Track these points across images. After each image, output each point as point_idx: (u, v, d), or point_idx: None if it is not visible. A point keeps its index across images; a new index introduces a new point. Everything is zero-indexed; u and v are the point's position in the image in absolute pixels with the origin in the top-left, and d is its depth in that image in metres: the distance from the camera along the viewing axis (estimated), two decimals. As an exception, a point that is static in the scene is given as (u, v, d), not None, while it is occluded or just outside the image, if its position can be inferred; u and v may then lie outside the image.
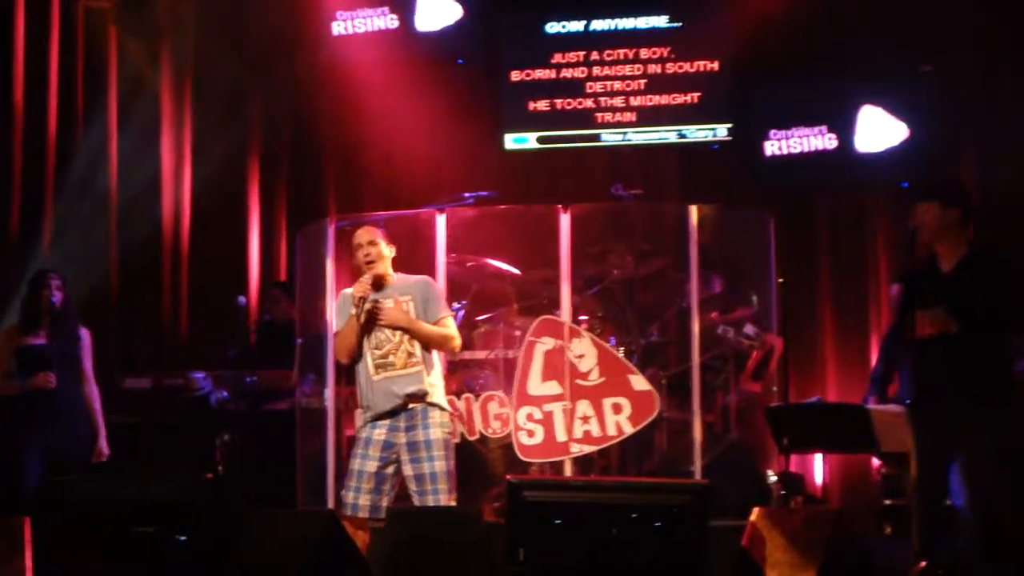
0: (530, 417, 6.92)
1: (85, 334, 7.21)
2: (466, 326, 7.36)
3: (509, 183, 9.07)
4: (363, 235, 6.03)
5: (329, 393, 7.17)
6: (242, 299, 9.18)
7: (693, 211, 7.14)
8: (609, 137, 9.84)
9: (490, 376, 7.27)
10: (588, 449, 6.93)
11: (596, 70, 9.87)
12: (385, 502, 5.87)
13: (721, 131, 9.69)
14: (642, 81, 9.81)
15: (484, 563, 5.39)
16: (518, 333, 7.23)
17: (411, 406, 5.87)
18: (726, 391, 7.79)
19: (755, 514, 5.79)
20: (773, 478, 7.42)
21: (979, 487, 5.31)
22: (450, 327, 6.05)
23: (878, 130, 9.44)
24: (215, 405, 8.22)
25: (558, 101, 9.90)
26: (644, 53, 9.81)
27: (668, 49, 9.79)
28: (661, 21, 9.85)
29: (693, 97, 9.73)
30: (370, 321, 5.90)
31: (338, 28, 10.08)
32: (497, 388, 7.08)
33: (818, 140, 9.58)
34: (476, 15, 9.98)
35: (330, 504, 6.86)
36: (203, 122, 9.85)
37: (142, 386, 8.32)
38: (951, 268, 5.50)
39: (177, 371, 8.42)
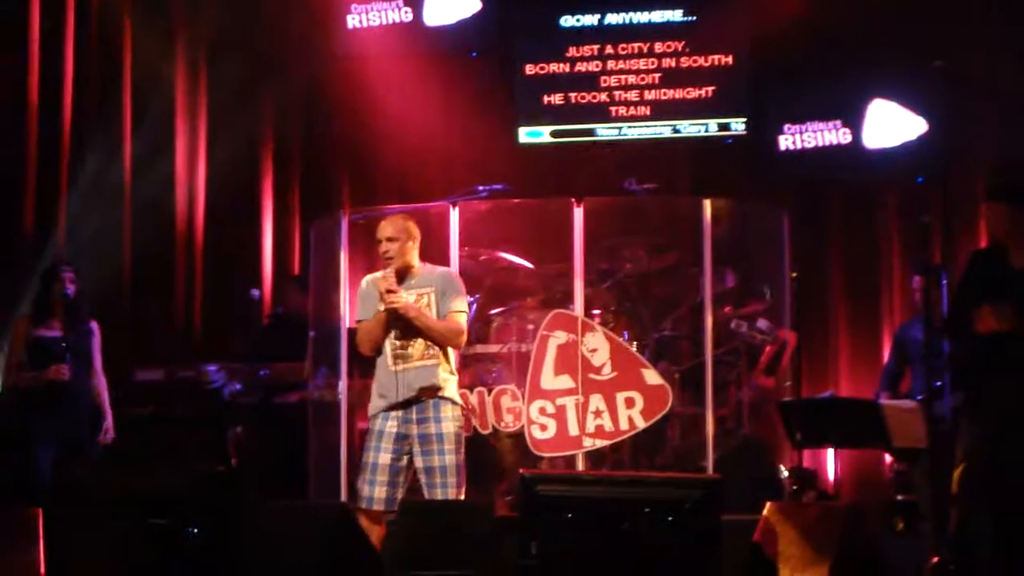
0: (543, 411, 6.90)
1: (95, 327, 7.24)
2: (479, 320, 7.36)
3: (523, 177, 9.06)
4: (384, 229, 5.98)
5: (342, 386, 7.16)
6: (256, 292, 9.21)
7: (707, 205, 7.10)
8: (623, 131, 9.82)
9: (503, 370, 7.24)
10: (600, 443, 6.89)
11: (610, 64, 9.83)
12: (400, 494, 5.87)
13: (736, 125, 9.66)
14: (657, 75, 9.77)
15: (494, 557, 5.39)
16: (531, 327, 7.19)
17: (424, 399, 5.87)
18: (739, 386, 7.77)
19: (768, 509, 5.78)
20: (785, 473, 7.43)
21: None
22: (459, 322, 5.97)
23: (892, 125, 9.40)
24: (228, 398, 8.23)
25: (572, 95, 9.86)
26: (659, 47, 9.78)
27: (683, 43, 9.74)
28: (676, 15, 9.82)
29: (708, 91, 9.69)
30: (391, 312, 5.86)
31: (352, 21, 10.08)
32: (510, 382, 7.06)
33: (832, 135, 9.55)
34: (490, 8, 9.95)
35: (343, 497, 6.86)
36: (217, 115, 9.85)
37: (155, 379, 8.34)
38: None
39: (190, 364, 8.43)
